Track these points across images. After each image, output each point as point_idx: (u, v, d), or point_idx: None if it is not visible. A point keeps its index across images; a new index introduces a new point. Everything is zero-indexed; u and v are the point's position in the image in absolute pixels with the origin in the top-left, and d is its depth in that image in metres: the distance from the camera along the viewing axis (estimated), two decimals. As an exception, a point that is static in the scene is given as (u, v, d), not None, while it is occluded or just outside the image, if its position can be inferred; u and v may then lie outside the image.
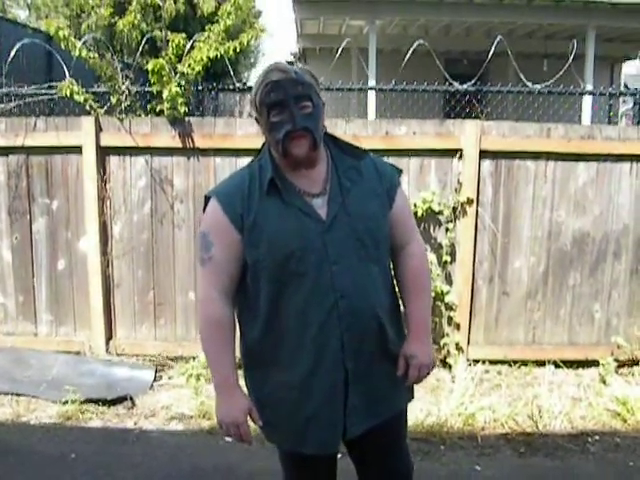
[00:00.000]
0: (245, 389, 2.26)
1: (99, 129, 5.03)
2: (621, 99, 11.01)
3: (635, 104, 6.02)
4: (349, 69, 12.63)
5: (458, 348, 5.04)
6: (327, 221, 2.10)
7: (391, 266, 2.33)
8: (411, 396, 2.40)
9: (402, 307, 2.35)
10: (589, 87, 9.56)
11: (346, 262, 2.10)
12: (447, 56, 12.30)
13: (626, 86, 11.61)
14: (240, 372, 2.24)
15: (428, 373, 2.27)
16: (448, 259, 4.98)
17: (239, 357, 2.26)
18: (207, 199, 2.21)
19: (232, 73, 5.51)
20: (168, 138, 5.01)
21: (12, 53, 5.14)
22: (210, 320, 2.15)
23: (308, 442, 2.18)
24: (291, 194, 2.12)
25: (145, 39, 5.57)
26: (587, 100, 9.78)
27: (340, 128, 4.86)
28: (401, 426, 2.42)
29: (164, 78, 4.90)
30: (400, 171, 2.35)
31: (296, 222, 2.09)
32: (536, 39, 12.49)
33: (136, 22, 5.52)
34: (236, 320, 2.23)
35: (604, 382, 4.82)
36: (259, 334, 2.16)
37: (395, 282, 2.34)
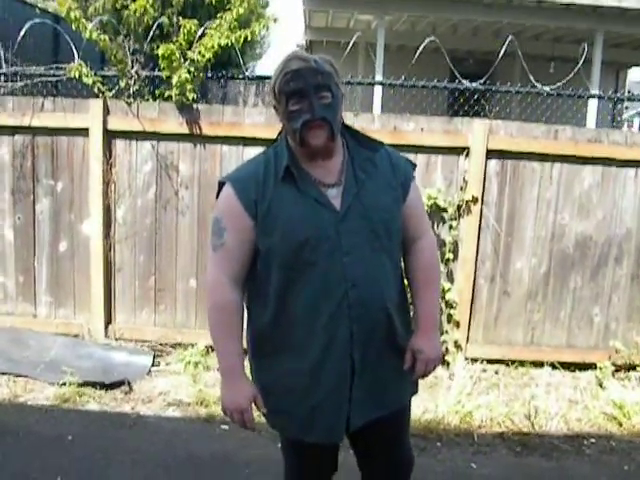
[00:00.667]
0: (250, 376, 2.26)
1: (107, 112, 5.01)
2: (625, 105, 11.03)
3: (642, 110, 6.00)
4: (355, 63, 12.61)
5: (457, 346, 5.05)
6: (341, 211, 2.10)
7: (401, 259, 2.33)
8: (415, 390, 2.40)
9: (410, 300, 2.35)
10: (595, 92, 9.55)
11: (358, 253, 2.10)
12: (453, 55, 12.26)
13: (630, 92, 11.62)
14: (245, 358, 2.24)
15: (435, 368, 2.28)
16: (451, 256, 4.99)
17: (246, 344, 2.26)
18: (221, 185, 2.20)
19: (242, 62, 5.48)
20: (175, 124, 5.00)
21: (22, 33, 5.12)
22: (219, 306, 2.15)
23: (313, 430, 2.18)
24: (306, 183, 2.12)
25: (156, 24, 5.54)
26: (593, 104, 9.78)
27: (348, 121, 4.79)
28: (404, 419, 2.42)
29: (174, 64, 4.88)
30: (414, 165, 2.35)
31: (311, 211, 2.09)
32: (544, 41, 12.47)
33: (147, 6, 5.51)
34: (244, 307, 2.23)
35: (601, 385, 4.84)
36: (269, 321, 2.17)
37: (405, 275, 2.34)
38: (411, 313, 2.35)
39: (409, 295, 2.36)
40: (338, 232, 2.08)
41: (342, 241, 2.08)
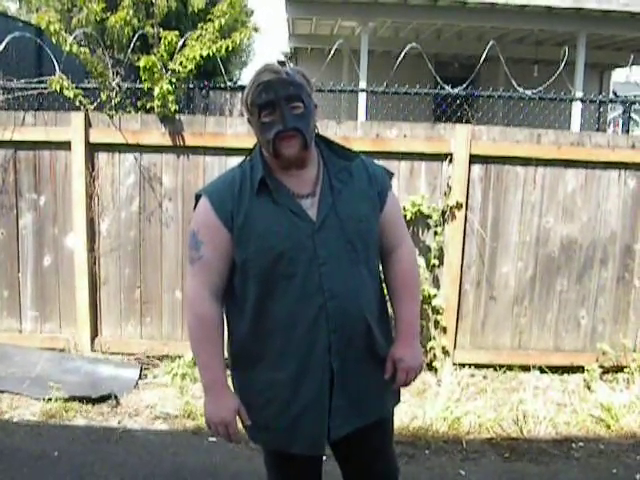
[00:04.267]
0: (232, 387, 2.25)
1: (88, 125, 4.99)
2: (609, 106, 11.09)
3: (624, 112, 6.04)
4: (340, 70, 12.64)
5: (444, 352, 5.04)
6: (317, 222, 2.10)
7: (380, 269, 2.32)
8: (398, 399, 2.40)
9: (390, 310, 2.34)
10: (579, 94, 9.60)
11: (335, 263, 2.10)
12: (438, 59, 12.37)
13: (615, 94, 11.68)
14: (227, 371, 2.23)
15: (416, 377, 2.27)
16: (436, 262, 4.98)
17: (227, 356, 2.25)
18: (198, 197, 2.21)
19: (223, 72, 5.48)
20: (158, 136, 4.98)
21: (1, 46, 5.10)
22: (200, 319, 2.15)
23: (294, 442, 2.18)
24: (281, 194, 2.12)
25: (137, 36, 5.54)
26: (576, 107, 9.82)
27: (331, 129, 4.86)
28: (387, 429, 2.41)
29: (155, 75, 4.87)
30: (391, 174, 2.35)
31: (286, 222, 2.09)
32: (527, 45, 12.54)
33: (128, 18, 5.50)
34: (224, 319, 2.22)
35: (589, 388, 4.84)
36: (247, 333, 2.16)
37: (384, 285, 2.34)
38: (392, 322, 2.35)
39: (389, 304, 2.35)
40: (314, 243, 2.08)
41: (318, 252, 2.08)
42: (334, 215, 2.12)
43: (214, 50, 5.07)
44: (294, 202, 2.12)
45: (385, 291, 2.34)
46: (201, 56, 5.02)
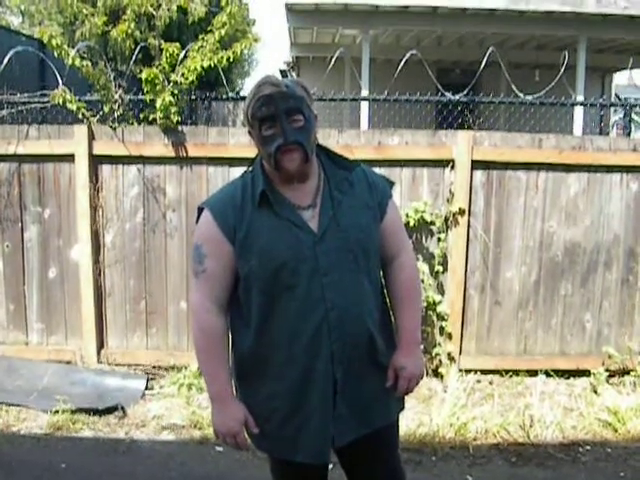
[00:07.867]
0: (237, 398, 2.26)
1: (92, 137, 5.02)
2: (612, 109, 11.10)
3: (625, 115, 6.05)
4: (342, 78, 12.65)
5: (450, 358, 5.04)
6: (319, 233, 2.12)
7: (382, 277, 2.33)
8: (402, 406, 2.40)
9: (392, 318, 2.35)
10: (580, 98, 9.60)
11: (337, 274, 2.12)
12: (439, 66, 12.39)
13: (617, 97, 11.68)
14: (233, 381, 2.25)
15: (417, 384, 2.28)
16: (440, 269, 4.99)
17: (231, 367, 2.27)
18: (200, 210, 2.23)
19: (225, 82, 5.51)
20: (161, 147, 5.01)
21: (5, 60, 5.14)
22: (205, 331, 2.17)
23: (299, 451, 2.18)
24: (282, 206, 2.14)
25: (139, 48, 5.57)
26: (578, 111, 9.82)
27: (333, 138, 4.88)
28: (392, 436, 2.41)
29: (157, 87, 4.91)
30: (392, 183, 2.37)
31: (288, 234, 2.10)
32: (528, 50, 12.55)
33: (130, 31, 5.53)
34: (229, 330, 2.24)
35: (595, 392, 4.84)
36: (251, 344, 2.17)
37: (386, 293, 2.35)
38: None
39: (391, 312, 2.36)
40: (316, 254, 2.09)
41: (320, 262, 2.09)
42: (335, 226, 2.13)
43: (215, 61, 5.11)
44: (295, 214, 2.13)
45: (387, 299, 2.34)
46: (202, 67, 5.06)
